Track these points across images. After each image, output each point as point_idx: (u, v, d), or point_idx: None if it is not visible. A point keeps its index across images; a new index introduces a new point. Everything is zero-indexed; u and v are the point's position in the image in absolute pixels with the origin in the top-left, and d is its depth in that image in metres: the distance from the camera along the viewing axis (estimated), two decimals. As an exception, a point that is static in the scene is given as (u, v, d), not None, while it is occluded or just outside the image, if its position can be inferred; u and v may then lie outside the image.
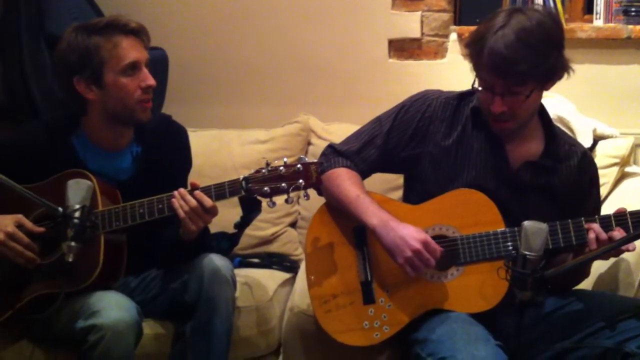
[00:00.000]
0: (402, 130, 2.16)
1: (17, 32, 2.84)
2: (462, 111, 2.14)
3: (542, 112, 2.13)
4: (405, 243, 1.95)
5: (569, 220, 1.96)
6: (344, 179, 2.13)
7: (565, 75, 2.00)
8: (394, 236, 1.98)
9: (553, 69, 1.96)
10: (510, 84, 1.93)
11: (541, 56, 1.91)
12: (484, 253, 2.01)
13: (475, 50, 1.97)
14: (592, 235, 1.91)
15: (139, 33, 2.15)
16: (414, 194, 2.17)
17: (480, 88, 2.01)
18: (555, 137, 2.12)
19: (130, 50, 2.12)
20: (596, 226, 1.92)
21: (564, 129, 2.45)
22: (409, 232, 1.97)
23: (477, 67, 1.99)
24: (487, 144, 2.10)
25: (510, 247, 1.97)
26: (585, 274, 2.14)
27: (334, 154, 2.22)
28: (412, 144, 2.15)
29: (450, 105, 2.15)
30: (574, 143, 2.18)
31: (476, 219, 2.02)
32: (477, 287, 2.00)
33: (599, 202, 2.23)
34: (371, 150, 2.18)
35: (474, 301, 1.99)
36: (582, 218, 1.96)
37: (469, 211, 2.03)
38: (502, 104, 1.95)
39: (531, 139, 2.12)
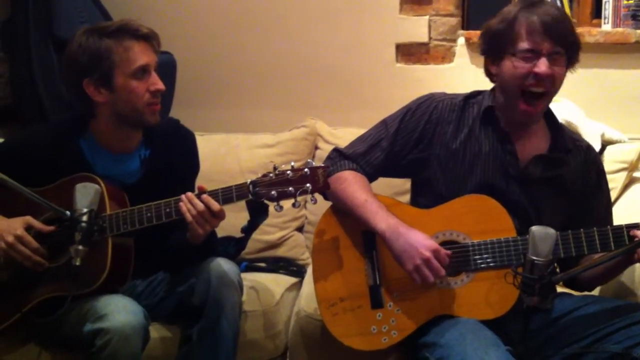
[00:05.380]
0: (409, 133, 2.15)
1: (26, 34, 2.85)
2: (468, 113, 2.14)
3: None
4: (414, 250, 1.94)
5: (581, 230, 1.95)
6: (350, 182, 2.12)
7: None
8: (403, 243, 1.96)
9: (578, 47, 2.03)
10: (559, 45, 1.97)
11: (573, 27, 2.03)
12: (495, 260, 1.99)
13: (510, 24, 2.00)
14: None
15: (150, 38, 2.16)
16: (424, 197, 2.16)
17: (515, 62, 2.00)
18: (561, 130, 2.14)
19: (141, 55, 2.12)
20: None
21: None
22: (418, 239, 1.95)
23: (514, 41, 1.99)
24: (496, 142, 2.10)
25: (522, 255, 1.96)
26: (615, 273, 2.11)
27: (339, 157, 2.22)
28: (419, 146, 2.15)
29: (456, 107, 2.15)
30: (577, 139, 2.20)
31: (487, 226, 2.01)
32: (486, 295, 1.99)
33: (609, 196, 2.23)
34: (377, 152, 2.18)
35: (482, 308, 1.98)
36: (595, 228, 1.95)
37: (481, 218, 2.02)
38: (549, 65, 1.97)
39: (537, 135, 2.12)
